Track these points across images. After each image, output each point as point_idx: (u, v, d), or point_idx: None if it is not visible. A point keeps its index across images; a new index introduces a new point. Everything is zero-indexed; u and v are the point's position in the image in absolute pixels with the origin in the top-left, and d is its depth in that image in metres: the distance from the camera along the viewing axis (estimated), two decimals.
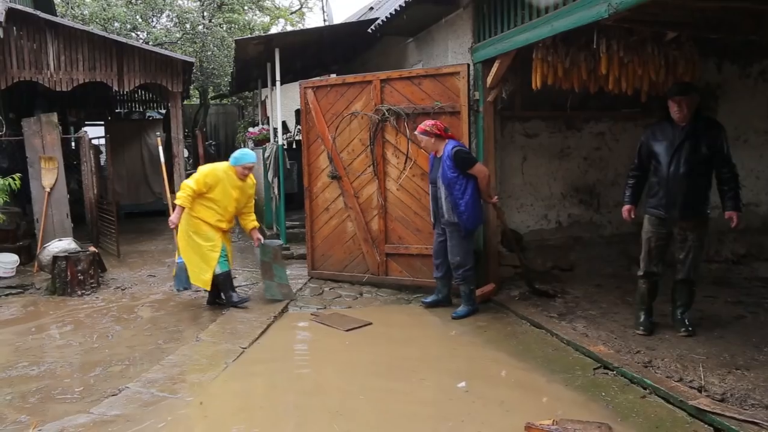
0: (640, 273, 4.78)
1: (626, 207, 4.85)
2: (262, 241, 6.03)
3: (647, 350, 4.30)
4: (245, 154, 5.72)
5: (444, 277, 5.59)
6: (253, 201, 6.00)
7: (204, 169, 5.59)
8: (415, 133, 5.56)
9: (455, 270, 5.40)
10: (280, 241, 7.99)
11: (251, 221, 5.98)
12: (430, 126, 5.34)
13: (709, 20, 4.83)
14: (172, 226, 5.61)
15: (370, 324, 5.26)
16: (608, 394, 3.70)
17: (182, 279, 5.74)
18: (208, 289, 5.71)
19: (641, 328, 4.69)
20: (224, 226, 5.67)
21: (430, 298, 5.73)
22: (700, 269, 4.69)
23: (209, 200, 5.52)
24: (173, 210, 5.59)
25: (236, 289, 5.93)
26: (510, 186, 6.47)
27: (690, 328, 4.61)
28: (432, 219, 5.59)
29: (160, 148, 6.20)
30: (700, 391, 3.57)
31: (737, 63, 7.07)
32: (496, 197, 5.70)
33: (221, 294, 5.80)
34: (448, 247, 5.38)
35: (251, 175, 5.79)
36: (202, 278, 5.59)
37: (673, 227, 4.61)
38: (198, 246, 5.56)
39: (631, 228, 6.95)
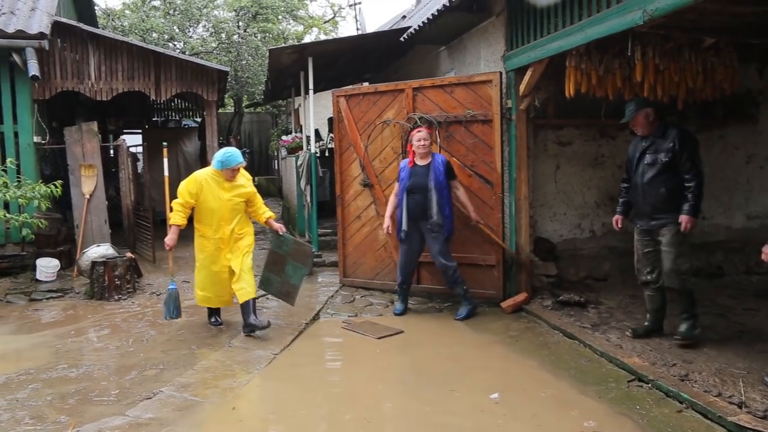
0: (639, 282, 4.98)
1: (615, 217, 5.13)
2: (283, 230, 5.52)
3: (684, 363, 4.19)
4: (230, 155, 5.13)
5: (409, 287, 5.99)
6: (258, 197, 5.48)
7: (186, 181, 5.24)
8: (422, 130, 5.70)
9: (443, 274, 5.71)
10: (312, 249, 8.07)
11: (263, 213, 5.45)
12: (430, 132, 5.83)
13: (750, 25, 4.71)
14: (167, 247, 5.17)
15: (402, 332, 5.26)
16: (643, 407, 3.62)
17: (170, 307, 5.38)
18: (212, 306, 5.47)
19: (630, 330, 4.89)
20: (227, 230, 5.17)
21: (399, 307, 5.88)
22: (683, 277, 4.58)
23: (206, 210, 5.16)
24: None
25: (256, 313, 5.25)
26: (543, 194, 6.40)
27: (684, 337, 4.58)
28: (405, 228, 5.64)
29: (165, 161, 5.92)
30: (740, 407, 3.46)
31: None
32: (477, 218, 5.82)
33: (214, 316, 5.55)
34: (433, 253, 5.66)
35: (242, 171, 5.31)
36: (205, 297, 5.36)
37: (652, 235, 4.75)
38: (200, 267, 5.32)
39: None
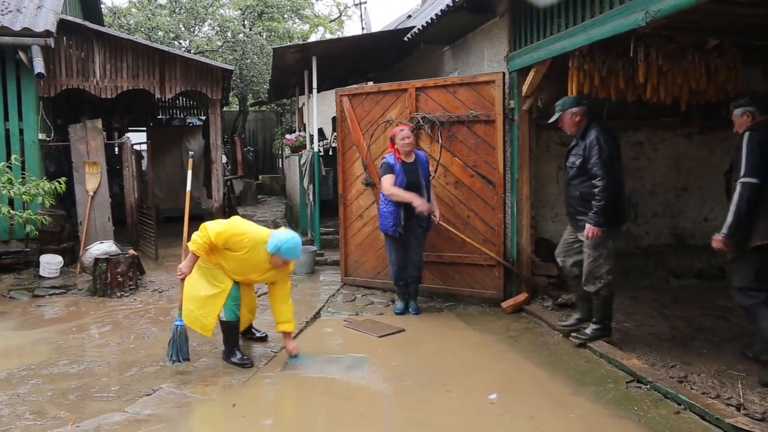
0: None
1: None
2: (297, 354, 4.59)
3: (683, 365, 4.19)
4: (291, 248, 4.24)
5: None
6: (289, 285, 4.64)
7: (233, 228, 4.32)
8: (404, 129, 5.71)
9: (416, 270, 5.81)
10: (314, 248, 8.08)
11: (282, 322, 4.55)
12: (412, 129, 5.88)
13: (754, 27, 4.70)
14: (180, 276, 4.43)
15: (403, 331, 5.27)
16: (640, 408, 3.62)
17: (179, 348, 4.50)
18: (209, 336, 4.53)
19: (559, 323, 5.05)
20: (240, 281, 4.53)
21: (400, 306, 5.87)
22: (599, 282, 4.57)
23: (226, 257, 4.36)
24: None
25: (240, 348, 4.58)
26: (545, 195, 6.40)
27: (582, 339, 4.68)
28: (398, 224, 5.58)
29: (189, 173, 5.08)
30: (738, 409, 3.46)
31: None
32: (440, 218, 5.83)
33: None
34: (413, 249, 5.75)
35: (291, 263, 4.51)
36: (202, 322, 4.42)
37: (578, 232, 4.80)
38: (205, 285, 4.42)
39: (669, 239, 6.83)
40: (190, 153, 5.26)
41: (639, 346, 4.61)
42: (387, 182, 5.57)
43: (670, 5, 3.59)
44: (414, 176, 5.58)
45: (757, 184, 3.86)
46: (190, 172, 5.23)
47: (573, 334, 4.80)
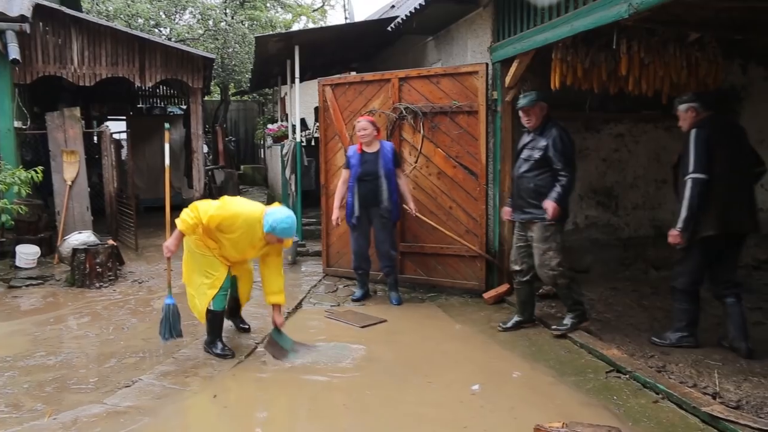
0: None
1: (504, 209, 5.28)
2: (281, 327, 4.55)
3: (661, 355, 4.25)
4: (286, 228, 4.19)
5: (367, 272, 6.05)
6: (281, 259, 4.63)
7: (225, 210, 4.22)
8: (361, 120, 5.75)
9: (389, 258, 5.79)
10: (296, 238, 8.04)
11: (273, 292, 4.49)
12: (373, 121, 5.78)
13: (735, 21, 4.74)
14: (167, 254, 4.29)
15: (385, 321, 5.27)
16: (620, 398, 3.66)
17: (171, 325, 4.44)
18: (203, 321, 4.49)
19: (499, 325, 5.03)
20: (235, 260, 4.50)
21: (358, 294, 5.99)
22: (554, 272, 4.68)
23: (220, 240, 4.31)
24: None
25: (222, 339, 4.52)
26: None
27: (561, 330, 4.74)
28: (357, 214, 5.76)
29: (166, 145, 5.03)
30: (714, 398, 3.52)
31: (763, 64, 6.94)
32: (416, 210, 5.87)
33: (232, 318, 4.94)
34: (380, 239, 5.78)
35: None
36: (199, 309, 4.42)
37: (525, 230, 4.89)
38: (200, 273, 4.38)
39: (649, 231, 6.91)
40: (167, 125, 5.16)
41: (619, 337, 4.66)
42: (341, 178, 5.94)
43: None
44: (371, 166, 5.67)
45: (706, 179, 4.10)
46: (167, 145, 5.19)
47: (553, 326, 4.85)
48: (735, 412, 3.28)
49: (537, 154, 4.70)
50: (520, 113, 4.90)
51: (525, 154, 4.83)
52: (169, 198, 5.03)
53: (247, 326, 5.02)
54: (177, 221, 4.24)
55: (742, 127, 4.60)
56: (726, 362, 4.11)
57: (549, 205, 4.58)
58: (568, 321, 4.77)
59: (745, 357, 4.15)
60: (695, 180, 4.11)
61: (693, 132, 4.23)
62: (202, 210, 4.17)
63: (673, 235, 4.20)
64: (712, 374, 3.88)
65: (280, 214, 4.21)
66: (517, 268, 4.95)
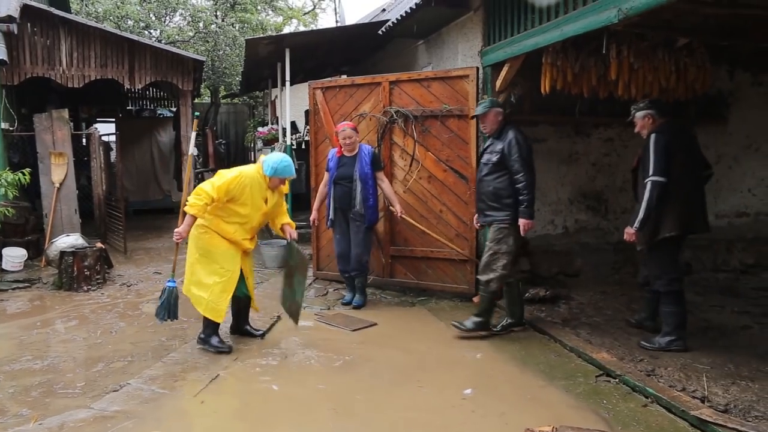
0: None
1: (475, 215, 5.34)
2: (295, 237, 4.88)
3: (651, 359, 4.26)
4: (287, 165, 4.50)
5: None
6: (285, 204, 4.97)
7: (227, 175, 4.42)
8: (345, 128, 5.73)
9: (358, 262, 5.76)
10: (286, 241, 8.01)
11: (285, 221, 4.86)
12: (354, 127, 5.82)
13: (722, 27, 4.79)
14: (178, 239, 4.40)
15: (375, 325, 5.26)
16: (609, 402, 3.66)
17: (170, 308, 4.57)
18: (221, 321, 4.55)
19: (492, 327, 5.04)
20: (248, 245, 4.63)
21: (348, 297, 5.96)
22: (490, 277, 4.76)
23: (232, 212, 4.45)
24: (182, 217, 4.47)
25: (218, 333, 4.60)
26: None
27: (462, 329, 4.83)
28: (332, 217, 5.86)
29: (193, 136, 5.19)
30: (702, 402, 3.53)
31: (750, 71, 7.02)
32: (402, 211, 5.84)
33: (240, 322, 4.93)
34: (352, 242, 5.78)
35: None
36: (215, 308, 4.44)
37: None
38: (212, 271, 4.45)
39: None
40: (197, 114, 5.30)
41: (608, 340, 4.67)
42: (323, 180, 6.06)
43: (642, 3, 3.63)
44: (347, 169, 5.71)
45: (664, 183, 4.31)
46: (193, 135, 5.41)
47: (453, 322, 4.94)
48: (723, 416, 3.30)
49: (494, 158, 4.80)
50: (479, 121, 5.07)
51: (484, 158, 4.94)
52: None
53: (259, 332, 4.94)
54: (186, 209, 4.35)
55: (694, 134, 4.89)
56: (714, 366, 4.13)
57: (522, 223, 4.70)
58: (470, 323, 4.85)
59: (651, 332, 4.65)
60: (654, 183, 4.32)
61: (653, 137, 4.44)
62: (207, 188, 4.33)
63: (629, 234, 4.41)
64: (700, 378, 3.90)
65: (275, 156, 4.53)
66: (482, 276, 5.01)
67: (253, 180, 4.45)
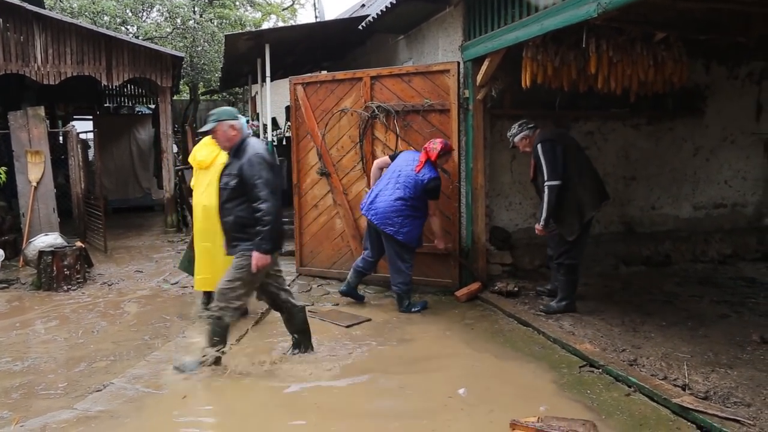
0: None
1: None
2: None
3: (633, 348, 4.32)
4: (225, 110, 4.22)
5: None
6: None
7: (192, 154, 5.18)
8: (435, 146, 5.46)
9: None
10: None
11: None
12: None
13: (698, 21, 4.86)
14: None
15: (369, 320, 5.26)
16: (593, 391, 3.71)
17: (190, 260, 5.32)
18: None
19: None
20: None
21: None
22: (230, 305, 4.04)
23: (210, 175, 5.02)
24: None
25: None
26: (499, 184, 6.48)
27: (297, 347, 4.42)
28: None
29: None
30: (684, 389, 3.59)
31: (725, 64, 7.12)
32: None
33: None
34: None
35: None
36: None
37: None
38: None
39: (619, 228, 7.03)
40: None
41: (591, 332, 4.72)
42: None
43: None
44: None
45: (559, 184, 4.92)
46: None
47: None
48: (704, 403, 3.36)
49: (232, 182, 4.00)
50: None
51: (222, 181, 4.12)
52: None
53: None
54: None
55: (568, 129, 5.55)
56: (695, 354, 4.20)
57: (255, 258, 3.94)
58: (296, 349, 4.42)
59: (548, 296, 5.51)
60: (551, 187, 4.93)
61: (539, 147, 4.99)
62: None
63: (538, 230, 5.14)
64: (681, 366, 3.97)
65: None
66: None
67: (207, 142, 4.99)
